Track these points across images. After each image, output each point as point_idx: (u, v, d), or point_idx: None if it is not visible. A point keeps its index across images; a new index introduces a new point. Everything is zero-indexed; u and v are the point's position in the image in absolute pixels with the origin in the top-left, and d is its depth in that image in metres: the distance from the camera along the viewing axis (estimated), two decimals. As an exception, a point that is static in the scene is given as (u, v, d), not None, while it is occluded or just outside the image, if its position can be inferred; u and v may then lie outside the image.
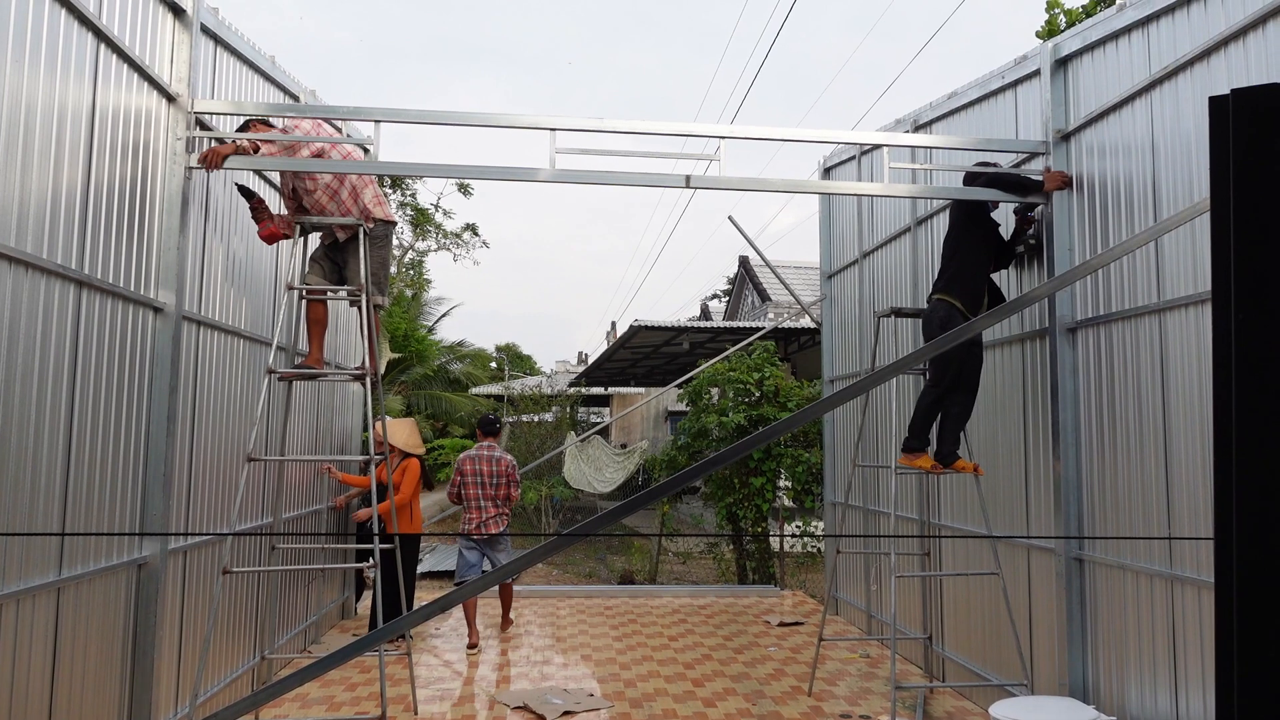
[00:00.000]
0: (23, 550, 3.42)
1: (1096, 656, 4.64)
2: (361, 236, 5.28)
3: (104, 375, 4.00)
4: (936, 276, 5.24)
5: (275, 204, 5.93)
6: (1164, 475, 4.15)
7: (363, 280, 5.26)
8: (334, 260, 5.57)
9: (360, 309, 5.42)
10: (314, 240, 5.71)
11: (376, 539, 5.24)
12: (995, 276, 5.43)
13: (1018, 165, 5.37)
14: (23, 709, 3.41)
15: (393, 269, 22.75)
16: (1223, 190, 1.18)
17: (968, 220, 5.15)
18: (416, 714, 5.34)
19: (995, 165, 5.25)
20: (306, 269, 5.50)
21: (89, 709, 3.91)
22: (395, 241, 23.18)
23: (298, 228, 5.30)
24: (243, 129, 5.02)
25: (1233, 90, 1.18)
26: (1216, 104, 1.20)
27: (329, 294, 5.56)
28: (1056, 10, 13.55)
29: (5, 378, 3.27)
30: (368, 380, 5.37)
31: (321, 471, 7.13)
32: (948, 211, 6.12)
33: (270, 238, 5.43)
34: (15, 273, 3.32)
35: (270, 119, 5.15)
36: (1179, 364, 4.07)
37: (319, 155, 5.07)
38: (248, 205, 5.42)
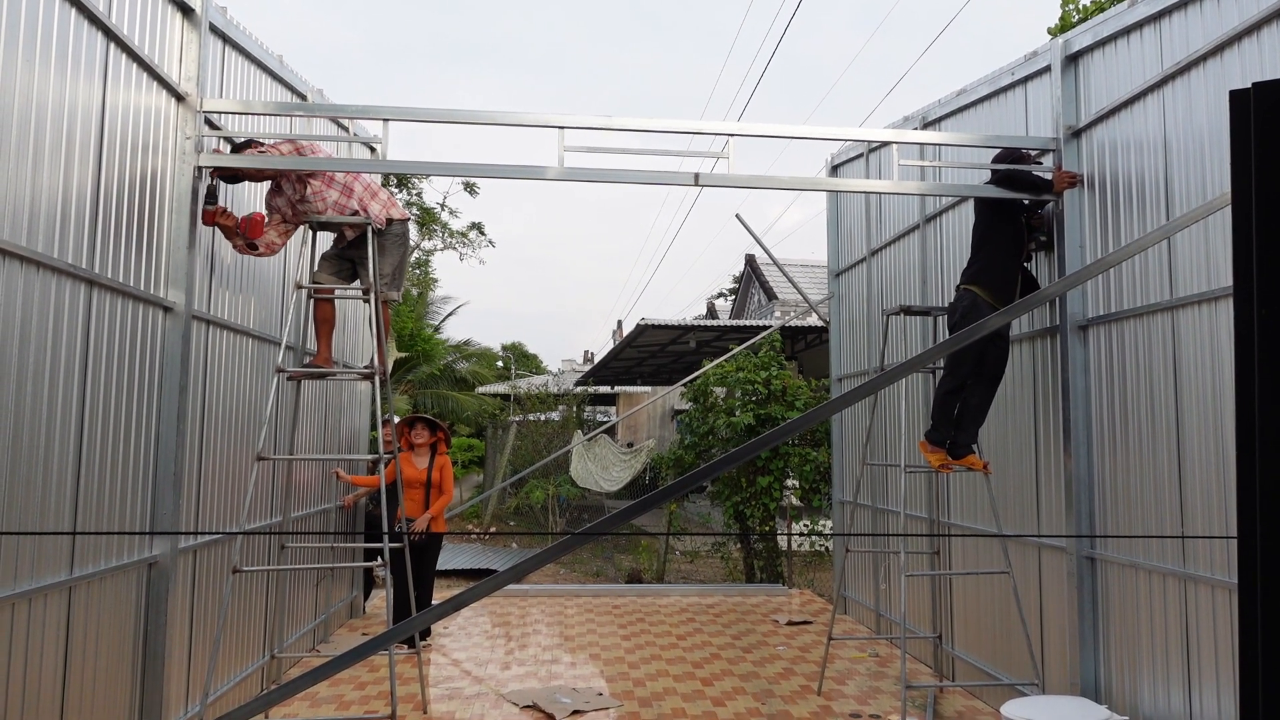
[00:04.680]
0: (34, 549, 3.43)
1: (1108, 656, 4.61)
2: (370, 236, 5.28)
3: (114, 374, 4.01)
4: (965, 266, 5.21)
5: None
6: (1177, 473, 4.12)
7: (381, 277, 5.27)
8: (347, 259, 5.58)
9: (371, 307, 5.43)
10: (322, 241, 5.71)
11: (386, 538, 5.24)
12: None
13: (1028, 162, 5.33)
14: (34, 707, 3.42)
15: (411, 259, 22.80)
16: (1244, 183, 1.16)
17: (994, 211, 5.12)
18: (426, 713, 5.34)
19: (1024, 151, 5.17)
20: (316, 268, 5.51)
21: (100, 707, 3.92)
22: (401, 240, 23.16)
23: (300, 230, 5.29)
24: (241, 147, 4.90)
25: (1254, 84, 1.16)
26: (1237, 98, 1.19)
27: (336, 292, 5.57)
28: (1070, 6, 13.50)
29: (16, 377, 3.28)
30: (376, 379, 5.37)
31: (331, 474, 7.13)
32: (962, 206, 6.11)
33: (209, 218, 4.85)
34: (26, 271, 3.33)
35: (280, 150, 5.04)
36: (1192, 361, 4.04)
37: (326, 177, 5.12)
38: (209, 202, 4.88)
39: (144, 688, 4.30)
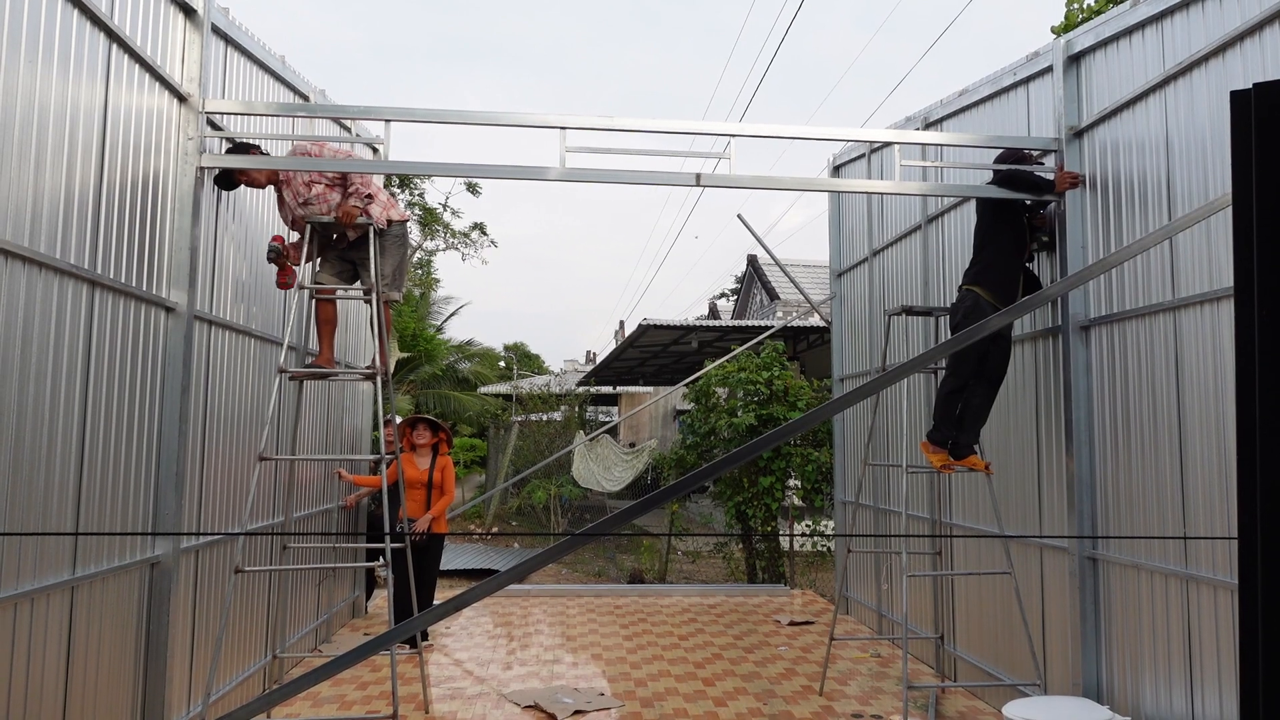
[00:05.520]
0: (37, 549, 3.43)
1: (1110, 656, 4.61)
2: (371, 236, 5.29)
3: (116, 375, 4.01)
4: (967, 266, 5.21)
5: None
6: (1179, 474, 4.12)
7: (381, 277, 5.28)
8: (348, 259, 5.59)
9: (373, 307, 5.44)
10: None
11: (388, 538, 5.24)
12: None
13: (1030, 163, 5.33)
14: (37, 707, 3.43)
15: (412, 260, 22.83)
16: (1245, 184, 1.16)
17: (996, 211, 5.11)
18: (428, 713, 5.35)
19: (1026, 152, 5.17)
20: (317, 269, 5.52)
21: (102, 707, 3.93)
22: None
23: (308, 229, 5.31)
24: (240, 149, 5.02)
25: (1255, 84, 1.16)
26: (1238, 98, 1.18)
27: (339, 293, 5.58)
28: (1075, 5, 13.48)
29: (19, 377, 3.28)
30: (378, 379, 5.38)
31: (333, 474, 7.14)
32: (964, 206, 6.10)
33: (286, 287, 5.45)
34: (29, 272, 3.34)
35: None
36: (1194, 362, 4.03)
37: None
38: (273, 259, 5.35)
39: (146, 687, 4.31)
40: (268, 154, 5.10)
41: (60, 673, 3.59)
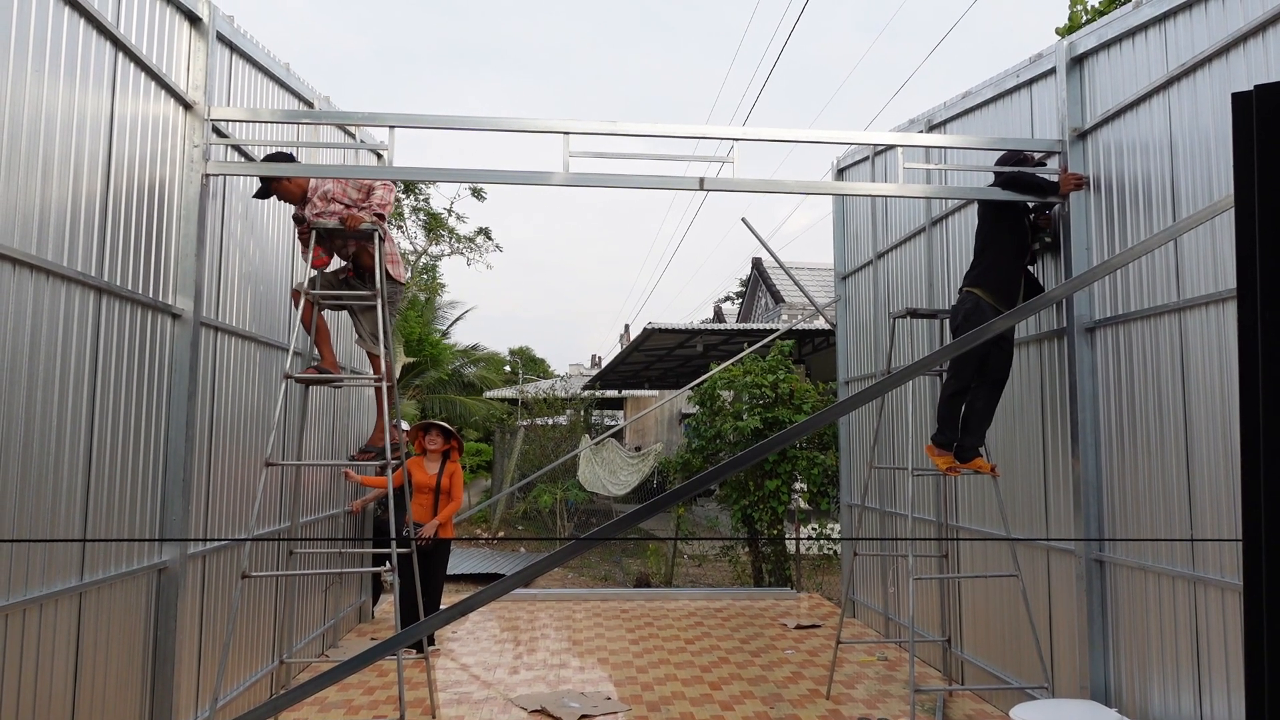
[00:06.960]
0: (45, 556, 3.45)
1: (1118, 659, 4.59)
2: (376, 242, 5.31)
3: (123, 381, 4.03)
4: (968, 269, 5.20)
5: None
6: (1185, 475, 4.11)
7: (381, 281, 5.30)
8: (344, 285, 5.70)
9: (378, 308, 5.47)
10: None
11: (393, 543, 5.25)
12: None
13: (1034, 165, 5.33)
14: (46, 712, 3.44)
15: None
16: (1247, 185, 1.16)
17: (998, 214, 5.11)
18: (435, 717, 5.35)
19: (1026, 154, 5.17)
20: (320, 286, 5.57)
21: (110, 712, 3.94)
22: (409, 245, 23.33)
23: (312, 235, 5.34)
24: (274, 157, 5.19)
25: (1256, 86, 1.17)
26: (1240, 100, 1.19)
27: (343, 299, 5.59)
28: (1079, 7, 13.44)
29: (27, 384, 3.30)
30: (384, 385, 5.40)
31: (340, 474, 7.15)
32: (968, 209, 6.10)
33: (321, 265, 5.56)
34: (36, 280, 3.36)
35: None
36: (1200, 363, 4.03)
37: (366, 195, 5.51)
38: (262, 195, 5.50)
39: (154, 693, 4.32)
40: (294, 158, 5.28)
41: (69, 678, 3.61)
